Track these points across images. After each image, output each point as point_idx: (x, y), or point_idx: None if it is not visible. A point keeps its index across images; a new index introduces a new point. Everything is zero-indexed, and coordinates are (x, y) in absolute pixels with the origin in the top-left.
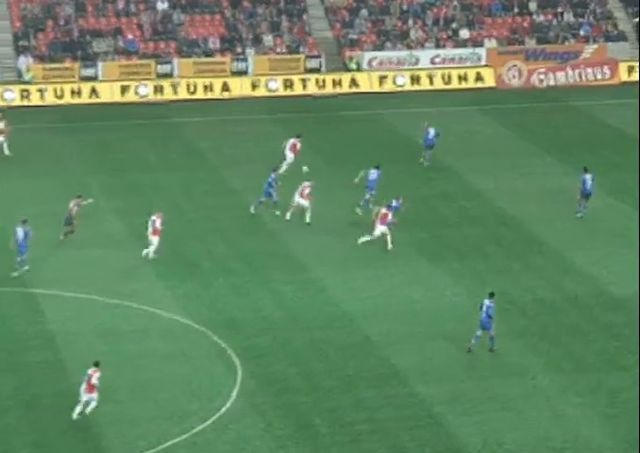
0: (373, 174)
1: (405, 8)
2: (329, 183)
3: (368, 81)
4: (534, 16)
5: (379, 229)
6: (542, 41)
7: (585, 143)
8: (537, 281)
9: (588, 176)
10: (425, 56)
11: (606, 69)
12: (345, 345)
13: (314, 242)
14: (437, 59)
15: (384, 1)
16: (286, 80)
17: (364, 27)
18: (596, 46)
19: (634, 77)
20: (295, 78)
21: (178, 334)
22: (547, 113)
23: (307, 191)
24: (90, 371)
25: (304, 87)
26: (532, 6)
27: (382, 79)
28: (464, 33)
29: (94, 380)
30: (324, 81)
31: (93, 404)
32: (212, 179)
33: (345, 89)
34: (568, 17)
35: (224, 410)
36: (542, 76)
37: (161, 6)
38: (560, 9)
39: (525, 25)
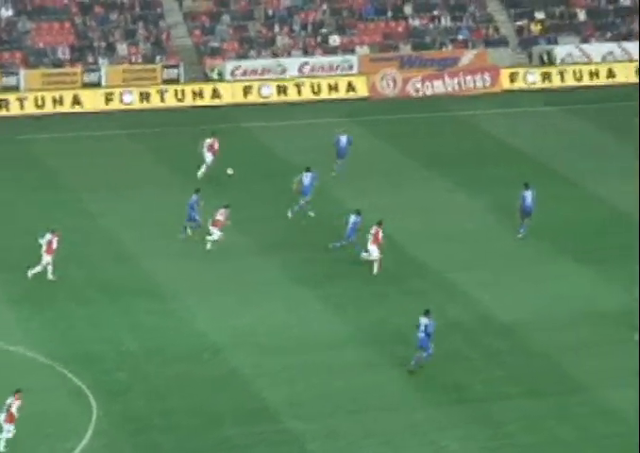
0: (306, 177)
1: (270, 13)
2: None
3: (231, 92)
4: (409, 20)
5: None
6: (418, 47)
7: (467, 157)
8: (417, 306)
9: (528, 193)
10: (292, 64)
11: (487, 76)
12: (210, 379)
13: (178, 268)
14: (306, 68)
15: (248, 5)
16: (142, 93)
17: (226, 34)
18: (475, 52)
19: (517, 85)
20: (152, 90)
21: (27, 369)
22: (426, 124)
23: (220, 217)
24: (9, 401)
25: (162, 99)
26: (407, 9)
27: (246, 90)
28: (335, 39)
29: (14, 410)
30: (183, 93)
31: (9, 435)
32: (66, 200)
33: (207, 100)
34: (446, 21)
35: (77, 451)
36: (418, 85)
37: (5, 13)
38: (436, 13)
39: (399, 29)
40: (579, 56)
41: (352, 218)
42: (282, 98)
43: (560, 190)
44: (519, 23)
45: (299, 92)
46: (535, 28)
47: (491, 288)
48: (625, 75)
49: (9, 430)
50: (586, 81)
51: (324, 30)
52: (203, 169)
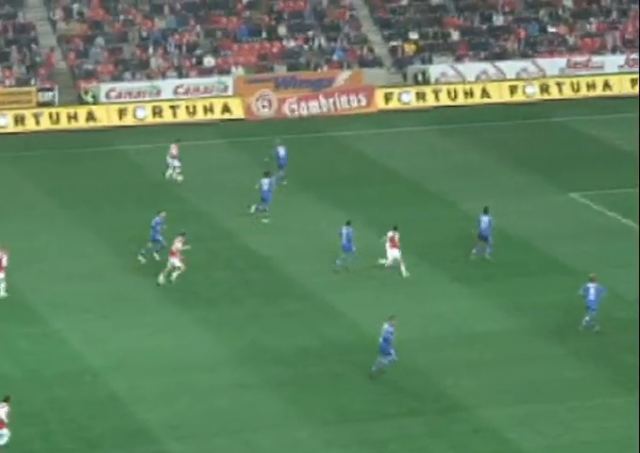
0: (265, 184)
1: (144, 34)
2: (67, 225)
3: (106, 115)
4: (284, 41)
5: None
6: (293, 68)
7: (343, 178)
8: (295, 327)
9: (485, 218)
10: (167, 86)
11: (362, 96)
12: (88, 403)
13: (52, 290)
14: (181, 89)
15: (122, 27)
16: (16, 115)
17: (100, 57)
18: (350, 72)
19: (392, 105)
20: (27, 113)
21: None
22: (302, 146)
23: (178, 245)
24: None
25: (37, 122)
26: (282, 30)
27: (122, 112)
28: (209, 61)
29: (2, 416)
30: (58, 115)
31: (5, 439)
32: None
33: (82, 123)
34: (320, 42)
35: None
36: (294, 106)
37: None
38: (311, 34)
39: (274, 50)
40: (453, 75)
41: (344, 229)
42: (158, 120)
43: (436, 210)
44: (393, 43)
45: (175, 114)
46: (409, 48)
47: (370, 308)
48: (499, 94)
49: (4, 434)
50: (461, 100)
51: (198, 51)
52: (177, 171)
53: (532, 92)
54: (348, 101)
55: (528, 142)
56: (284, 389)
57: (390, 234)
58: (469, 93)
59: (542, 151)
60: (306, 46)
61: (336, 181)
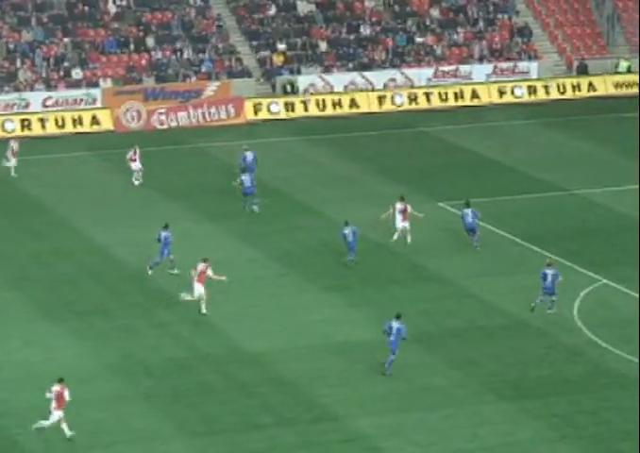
0: (246, 178)
1: (12, 47)
2: None
3: None
4: (152, 53)
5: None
6: (161, 80)
7: (212, 189)
8: (164, 339)
9: (467, 211)
10: (35, 98)
11: (231, 107)
12: None
13: None
14: (49, 102)
15: None
16: None
17: None
18: (219, 83)
19: (261, 116)
20: None
21: None
22: (171, 157)
23: (207, 272)
24: (58, 387)
25: None
26: (150, 42)
27: None
28: (77, 73)
29: (66, 396)
30: None
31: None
32: None
33: None
34: (188, 53)
35: None
36: (163, 117)
37: None
38: (179, 45)
39: (142, 62)
40: (321, 85)
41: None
42: (26, 133)
43: (303, 219)
44: (261, 54)
45: (43, 127)
46: (277, 59)
47: (240, 319)
48: (367, 104)
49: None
50: (329, 111)
51: (66, 64)
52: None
53: (401, 101)
54: (217, 112)
55: (397, 151)
56: (156, 401)
57: (399, 206)
58: (338, 104)
59: (411, 161)
60: (174, 57)
61: (204, 192)
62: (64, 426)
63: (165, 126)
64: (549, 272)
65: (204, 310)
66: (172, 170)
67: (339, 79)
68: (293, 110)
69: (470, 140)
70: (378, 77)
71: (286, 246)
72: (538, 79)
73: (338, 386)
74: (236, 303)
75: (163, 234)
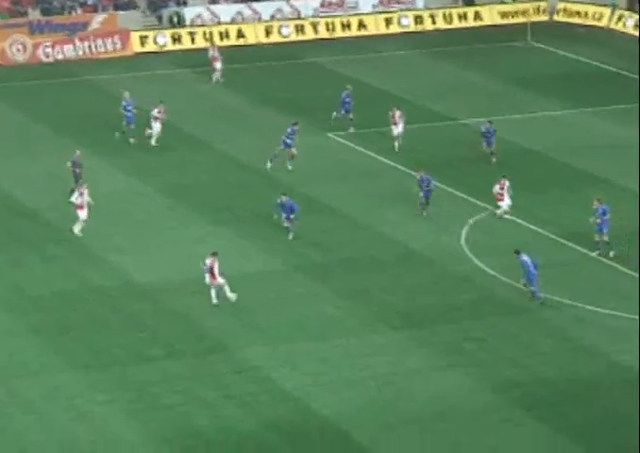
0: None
1: None
2: None
3: None
4: None
5: None
6: (47, 13)
7: (99, 121)
8: (54, 272)
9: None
10: None
11: (117, 40)
12: None
13: None
14: None
15: None
16: None
17: None
18: (105, 15)
19: (148, 48)
20: None
21: None
22: (58, 90)
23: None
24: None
25: None
26: None
27: None
28: None
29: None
30: None
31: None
32: None
33: None
34: None
35: None
36: (49, 50)
37: None
38: None
39: None
40: (208, 17)
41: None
42: None
43: (192, 152)
44: None
45: None
46: None
47: (129, 252)
48: (254, 35)
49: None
50: (216, 42)
51: None
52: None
53: (287, 32)
54: (104, 44)
55: (285, 83)
56: (45, 334)
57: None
58: (225, 35)
59: (299, 92)
60: None
61: (92, 125)
62: None
63: (51, 59)
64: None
65: (229, 294)
66: (58, 103)
67: (226, 11)
68: (179, 42)
69: (358, 70)
70: (265, 8)
71: (175, 179)
72: (425, 9)
73: (228, 317)
74: (126, 236)
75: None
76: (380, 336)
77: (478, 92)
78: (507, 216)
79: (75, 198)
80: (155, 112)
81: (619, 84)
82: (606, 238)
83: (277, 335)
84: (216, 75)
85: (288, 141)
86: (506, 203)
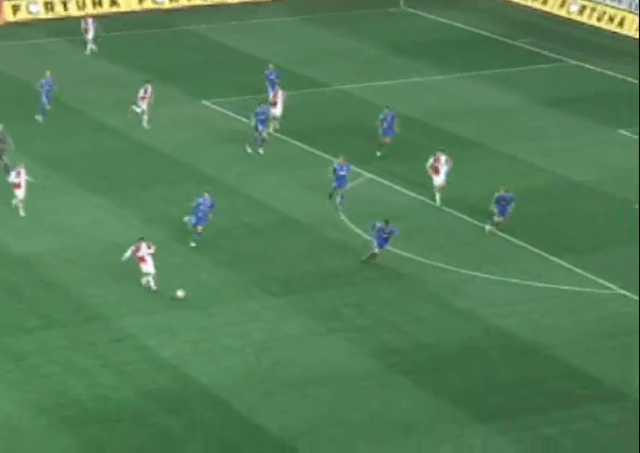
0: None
1: None
2: None
3: None
4: None
5: None
6: None
7: None
8: None
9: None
10: None
11: None
12: None
13: None
14: None
15: None
16: None
17: None
18: None
19: (20, 16)
20: None
21: None
22: None
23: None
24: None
25: None
26: None
27: None
28: None
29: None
30: None
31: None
32: None
33: None
34: None
35: None
36: None
37: None
38: None
39: None
40: None
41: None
42: None
43: (71, 121)
44: None
45: None
46: None
47: (5, 221)
48: (127, 3)
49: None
50: (90, 10)
51: None
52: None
53: (161, 0)
54: None
55: (159, 51)
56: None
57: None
58: (98, 3)
59: (173, 60)
60: None
61: None
62: None
63: None
64: (338, 167)
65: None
66: None
67: None
68: (52, 11)
69: (233, 37)
70: None
71: (52, 149)
72: None
73: (106, 286)
74: (1, 205)
75: None
76: (259, 303)
77: (353, 59)
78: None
79: (12, 178)
80: (141, 93)
81: (494, 49)
82: (499, 218)
83: (156, 304)
84: (90, 45)
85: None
86: (441, 178)
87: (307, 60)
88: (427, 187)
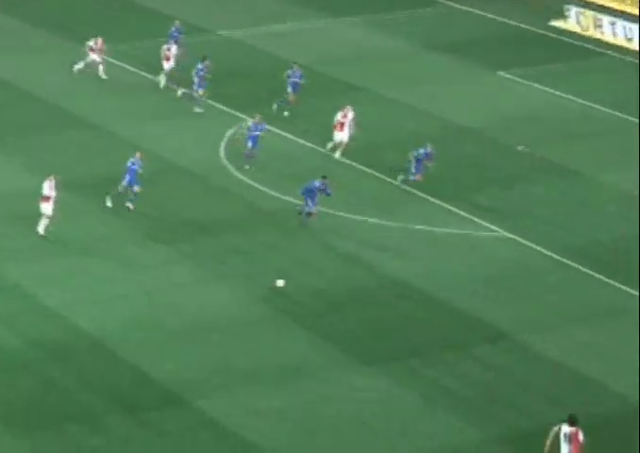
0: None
1: None
2: None
3: None
4: None
5: None
6: None
7: None
8: None
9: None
10: None
11: None
12: None
13: None
14: None
15: None
16: None
17: None
18: None
19: None
20: None
21: None
22: None
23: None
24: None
25: None
26: None
27: None
28: None
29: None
30: None
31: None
32: None
33: None
34: None
35: None
36: None
37: None
38: None
39: None
40: None
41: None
42: None
43: None
44: None
45: None
46: None
47: None
48: None
49: None
50: None
51: None
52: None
53: None
54: None
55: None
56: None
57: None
58: None
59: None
60: None
61: None
62: None
63: None
64: (253, 126)
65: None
66: None
67: None
68: None
69: None
70: None
71: None
72: None
73: None
74: None
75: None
76: (147, 251)
77: (232, 2)
78: (338, 154)
79: None
80: (92, 43)
81: None
82: (416, 178)
83: (42, 252)
84: None
85: None
86: (345, 135)
87: (192, 6)
88: (311, 131)
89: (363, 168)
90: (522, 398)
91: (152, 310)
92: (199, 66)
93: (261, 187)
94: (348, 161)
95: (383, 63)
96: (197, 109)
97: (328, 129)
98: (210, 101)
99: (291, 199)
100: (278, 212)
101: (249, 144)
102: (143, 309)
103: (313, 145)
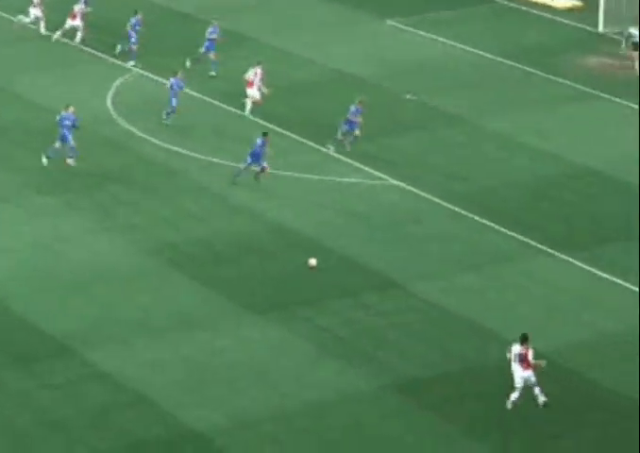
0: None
1: None
2: None
3: None
4: None
5: None
6: None
7: None
8: None
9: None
10: None
11: None
12: None
13: None
14: None
15: None
16: None
17: None
18: None
19: None
20: None
21: None
22: None
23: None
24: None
25: None
26: None
27: None
28: None
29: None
30: None
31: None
32: None
33: None
34: None
35: None
36: None
37: None
38: None
39: None
40: None
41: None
42: None
43: None
44: None
45: None
46: None
47: None
48: None
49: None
50: None
51: None
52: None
53: None
54: None
55: None
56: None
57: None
58: None
59: None
60: None
61: None
62: None
63: None
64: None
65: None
66: None
67: None
68: None
69: None
70: None
71: None
72: None
73: None
74: None
75: None
76: (33, 202)
77: None
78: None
79: None
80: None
81: None
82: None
83: None
84: None
85: None
86: (254, 93)
87: None
88: (203, 84)
89: (249, 117)
90: (414, 347)
91: (40, 262)
92: (132, 20)
93: (150, 138)
94: (236, 110)
95: (268, 11)
96: (131, 63)
97: (230, 81)
98: (100, 54)
99: (177, 149)
100: (165, 163)
101: (173, 103)
102: (31, 260)
103: (201, 96)
